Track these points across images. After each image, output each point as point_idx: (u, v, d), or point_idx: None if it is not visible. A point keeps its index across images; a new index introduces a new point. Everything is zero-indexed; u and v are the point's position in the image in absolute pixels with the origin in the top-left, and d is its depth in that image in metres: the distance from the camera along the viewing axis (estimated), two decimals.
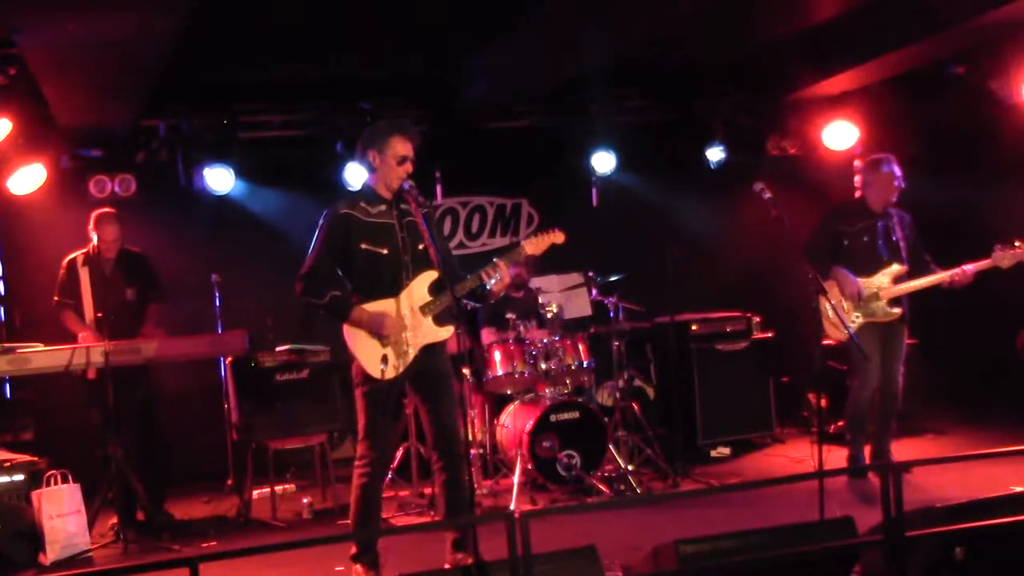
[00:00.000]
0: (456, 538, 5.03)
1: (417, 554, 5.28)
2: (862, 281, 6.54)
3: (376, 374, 4.88)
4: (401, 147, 4.96)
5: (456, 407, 5.08)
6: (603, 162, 8.67)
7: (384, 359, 4.86)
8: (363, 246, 4.91)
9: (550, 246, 5.18)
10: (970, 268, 6.41)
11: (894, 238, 6.63)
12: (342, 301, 4.90)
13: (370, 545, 5.02)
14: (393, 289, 4.94)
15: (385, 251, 4.92)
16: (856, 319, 6.52)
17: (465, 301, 5.19)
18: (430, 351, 4.99)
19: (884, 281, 6.56)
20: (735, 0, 6.69)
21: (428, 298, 4.96)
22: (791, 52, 8.04)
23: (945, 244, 6.56)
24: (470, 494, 5.21)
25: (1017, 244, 6.34)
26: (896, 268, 6.56)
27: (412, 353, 4.92)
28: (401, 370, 4.89)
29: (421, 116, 8.54)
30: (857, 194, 6.72)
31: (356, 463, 5.00)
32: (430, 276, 4.98)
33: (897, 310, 6.54)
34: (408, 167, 4.97)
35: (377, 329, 4.87)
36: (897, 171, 6.61)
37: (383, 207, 5.00)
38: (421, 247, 4.97)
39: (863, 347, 6.17)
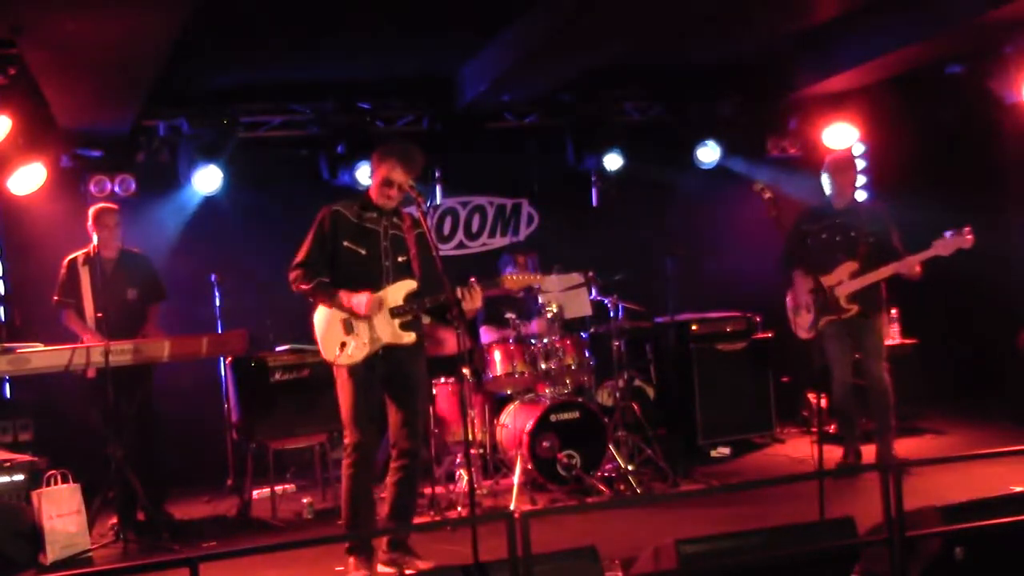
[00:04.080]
0: (394, 538, 5.20)
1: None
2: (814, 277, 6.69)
3: (330, 357, 5.12)
4: (392, 172, 5.12)
5: (425, 412, 5.36)
6: (603, 162, 8.67)
7: (343, 345, 5.08)
8: (345, 243, 5.13)
9: (528, 287, 5.58)
10: (913, 259, 6.47)
11: (852, 233, 6.72)
12: (328, 285, 5.11)
13: (366, 538, 5.06)
14: (369, 288, 5.11)
15: (364, 252, 5.13)
16: (818, 317, 6.73)
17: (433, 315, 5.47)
18: (398, 353, 5.15)
19: (839, 278, 6.61)
20: (735, 0, 6.69)
21: (400, 303, 5.14)
22: (791, 52, 8.05)
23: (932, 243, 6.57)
24: (416, 499, 5.45)
25: (964, 231, 6.34)
26: (848, 264, 6.65)
27: (370, 348, 5.10)
28: (358, 359, 5.07)
29: (421, 116, 8.55)
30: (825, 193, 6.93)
31: (344, 454, 5.16)
32: (408, 285, 5.18)
33: (853, 306, 6.59)
34: (393, 193, 5.14)
35: (358, 307, 5.04)
36: (849, 168, 6.87)
37: (375, 215, 5.19)
38: (402, 259, 5.19)
39: (826, 350, 6.62)
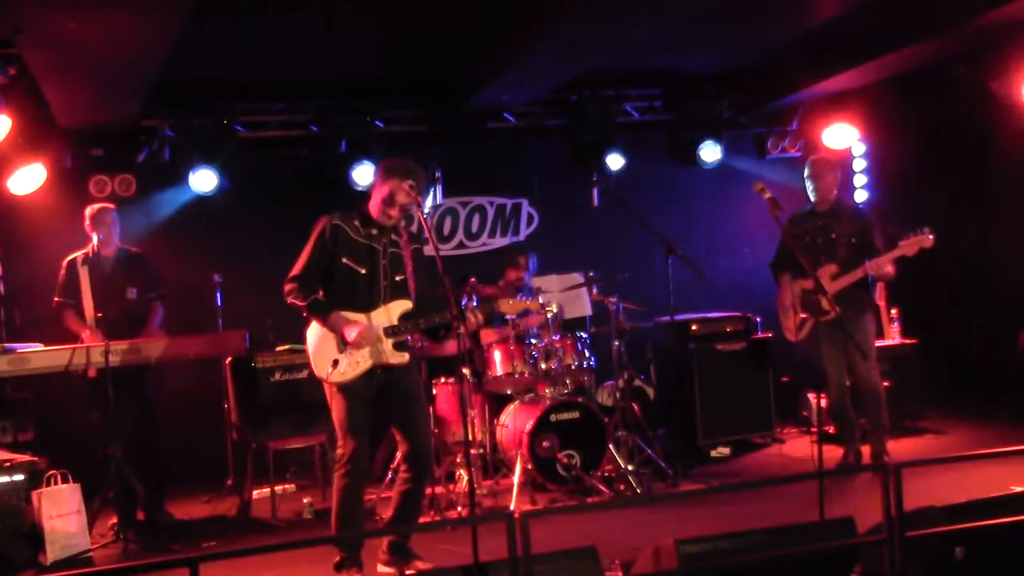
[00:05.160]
0: (395, 541, 5.21)
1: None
2: (800, 281, 6.79)
3: (321, 374, 5.09)
4: (396, 190, 5.09)
5: (428, 425, 5.38)
6: (604, 162, 8.67)
7: (335, 363, 5.05)
8: (344, 260, 5.10)
9: (524, 310, 5.63)
10: (882, 259, 6.54)
11: (832, 236, 6.78)
12: (324, 304, 5.09)
13: (355, 553, 5.05)
14: (365, 307, 5.12)
15: (363, 271, 5.11)
16: (803, 319, 6.84)
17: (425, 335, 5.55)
18: (391, 373, 5.14)
19: (822, 280, 6.66)
20: (736, 0, 6.69)
21: (395, 323, 5.14)
22: (791, 52, 8.04)
23: (944, 242, 6.57)
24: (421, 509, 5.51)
25: (925, 231, 6.41)
26: (828, 267, 6.72)
27: (363, 366, 5.07)
28: (346, 379, 5.05)
29: (421, 115, 8.54)
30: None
31: (337, 464, 5.13)
32: (404, 305, 5.19)
33: (837, 307, 6.63)
34: (394, 213, 5.13)
35: (348, 334, 5.01)
36: (828, 171, 6.89)
37: (375, 231, 5.17)
38: (400, 278, 5.18)
39: (821, 351, 6.67)
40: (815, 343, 6.71)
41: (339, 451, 5.12)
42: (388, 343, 5.11)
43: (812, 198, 6.92)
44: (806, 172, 6.95)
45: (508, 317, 7.08)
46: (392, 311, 5.15)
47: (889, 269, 6.55)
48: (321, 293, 5.12)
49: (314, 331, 5.16)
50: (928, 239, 6.38)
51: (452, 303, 4.84)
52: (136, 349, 6.26)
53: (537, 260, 7.80)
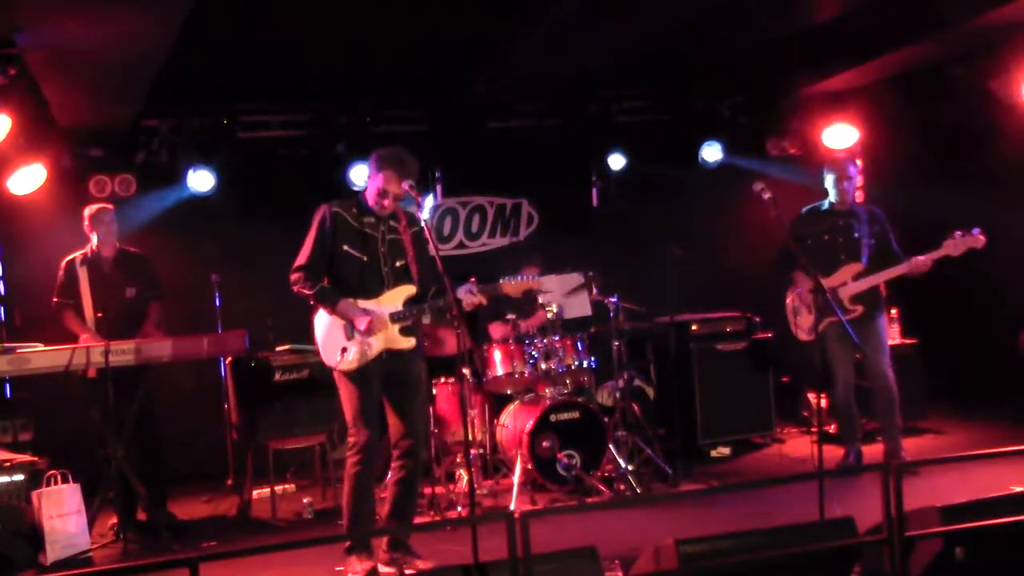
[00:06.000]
0: (393, 537, 5.24)
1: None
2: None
3: (331, 362, 5.14)
4: (388, 182, 5.14)
5: (425, 414, 5.40)
6: (605, 162, 8.67)
7: (344, 351, 5.08)
8: (345, 247, 5.15)
9: (527, 290, 5.50)
10: (923, 258, 6.50)
11: (856, 235, 6.76)
12: (331, 291, 5.13)
13: (365, 537, 5.09)
14: (369, 294, 5.16)
15: (365, 258, 5.16)
16: (820, 319, 6.73)
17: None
18: (398, 357, 5.19)
19: (843, 279, 6.63)
20: (735, 0, 6.69)
21: (400, 308, 5.17)
22: (791, 52, 8.04)
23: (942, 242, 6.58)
24: (416, 500, 5.50)
25: (975, 232, 6.41)
26: (853, 266, 6.67)
27: (371, 353, 5.11)
28: (356, 366, 5.09)
29: (421, 116, 8.54)
30: (826, 195, 6.97)
31: (348, 453, 5.17)
32: (408, 290, 5.23)
33: (858, 307, 6.61)
34: (388, 203, 5.16)
35: (359, 325, 5.05)
36: (851, 171, 6.89)
37: (372, 219, 5.22)
38: (400, 263, 5.22)
39: (829, 351, 6.65)
40: (823, 342, 6.67)
41: (351, 439, 5.15)
42: (395, 328, 5.16)
43: (834, 197, 6.86)
44: (831, 170, 6.87)
45: (508, 317, 7.10)
46: (396, 296, 5.20)
47: (929, 267, 6.52)
48: (327, 281, 5.15)
49: (321, 319, 5.20)
50: (980, 240, 6.36)
51: (452, 302, 4.87)
52: (136, 349, 6.26)
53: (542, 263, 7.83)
